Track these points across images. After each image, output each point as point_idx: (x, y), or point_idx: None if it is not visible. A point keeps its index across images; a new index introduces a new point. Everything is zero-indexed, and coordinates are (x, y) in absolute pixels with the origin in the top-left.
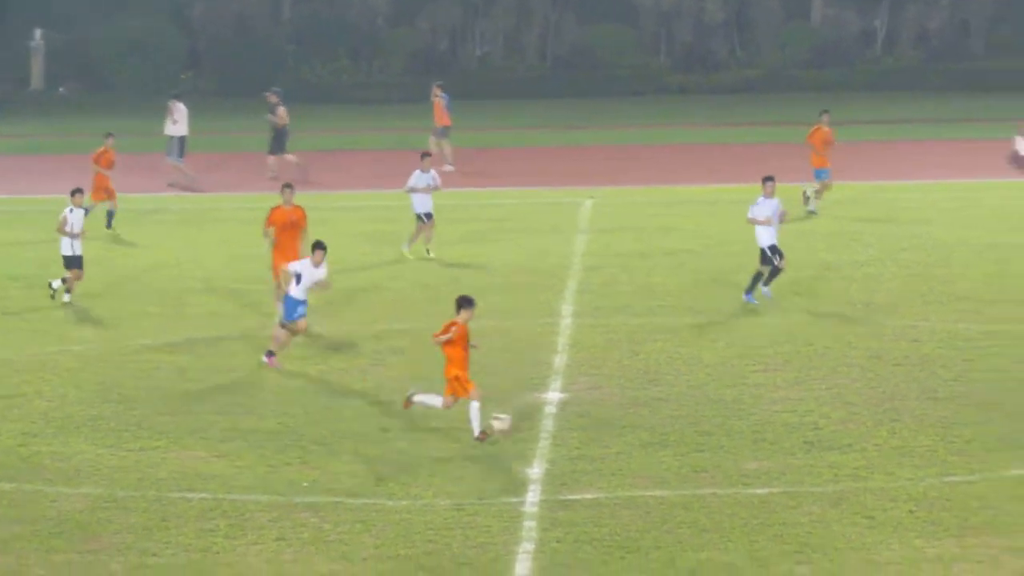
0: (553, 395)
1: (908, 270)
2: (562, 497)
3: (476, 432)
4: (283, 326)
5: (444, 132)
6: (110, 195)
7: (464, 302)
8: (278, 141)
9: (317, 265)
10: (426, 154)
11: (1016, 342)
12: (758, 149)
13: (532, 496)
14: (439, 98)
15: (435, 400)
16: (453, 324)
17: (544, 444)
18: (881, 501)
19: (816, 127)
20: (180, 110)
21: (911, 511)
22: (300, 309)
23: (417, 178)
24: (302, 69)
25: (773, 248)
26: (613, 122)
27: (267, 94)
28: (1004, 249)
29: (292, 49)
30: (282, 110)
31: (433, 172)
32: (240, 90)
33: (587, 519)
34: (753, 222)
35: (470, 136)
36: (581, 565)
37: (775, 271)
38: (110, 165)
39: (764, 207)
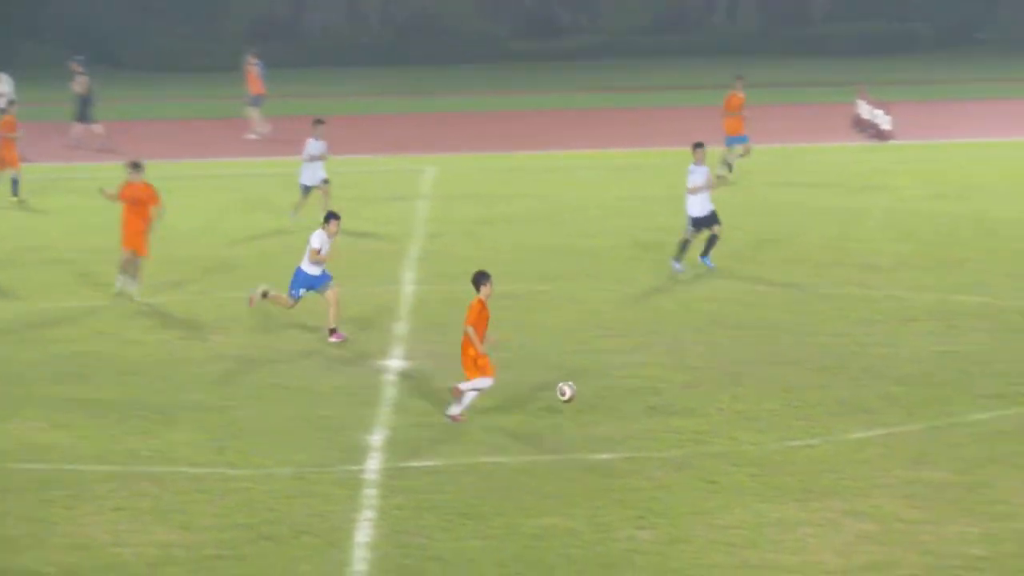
0: (395, 362)
1: (752, 234)
2: (403, 464)
3: (454, 411)
4: (294, 299)
5: (257, 100)
6: (10, 163)
7: (482, 278)
8: (83, 109)
9: (332, 236)
10: (318, 121)
11: (856, 305)
12: (601, 115)
13: (373, 464)
14: (253, 66)
15: (479, 384)
16: (479, 303)
17: (385, 411)
18: (723, 466)
19: (731, 93)
20: (4, 80)
21: (753, 475)
22: (325, 279)
23: (313, 146)
24: (145, 37)
25: (710, 217)
26: (456, 89)
27: (71, 62)
28: (846, 212)
29: (136, 16)
30: (81, 79)
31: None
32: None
33: (428, 486)
34: (695, 191)
35: (312, 104)
36: (422, 532)
37: (713, 239)
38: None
39: (698, 174)
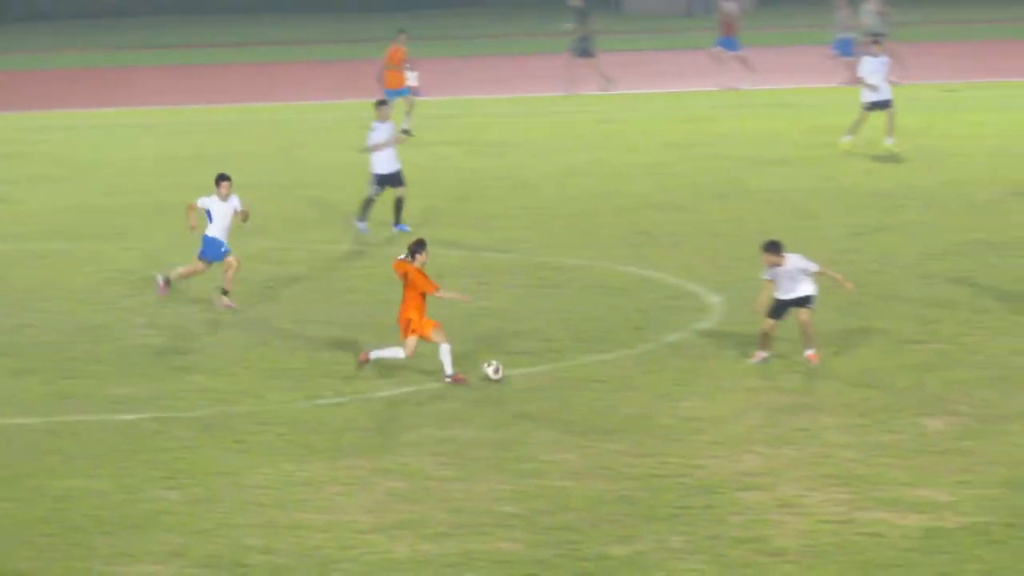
0: None
1: (287, 191)
2: None
3: (448, 372)
4: (205, 263)
5: None
6: None
7: (418, 246)
8: None
9: (224, 198)
10: None
11: (387, 263)
12: (124, 73)
13: None
14: None
15: (395, 352)
16: (412, 270)
17: None
18: (251, 425)
19: (393, 47)
20: None
21: (281, 434)
22: (223, 247)
23: None
24: None
25: (395, 175)
26: None
27: None
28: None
29: None
30: None
31: None
32: None
33: None
34: (374, 149)
35: None
36: None
37: (399, 201)
38: None
39: (381, 131)
